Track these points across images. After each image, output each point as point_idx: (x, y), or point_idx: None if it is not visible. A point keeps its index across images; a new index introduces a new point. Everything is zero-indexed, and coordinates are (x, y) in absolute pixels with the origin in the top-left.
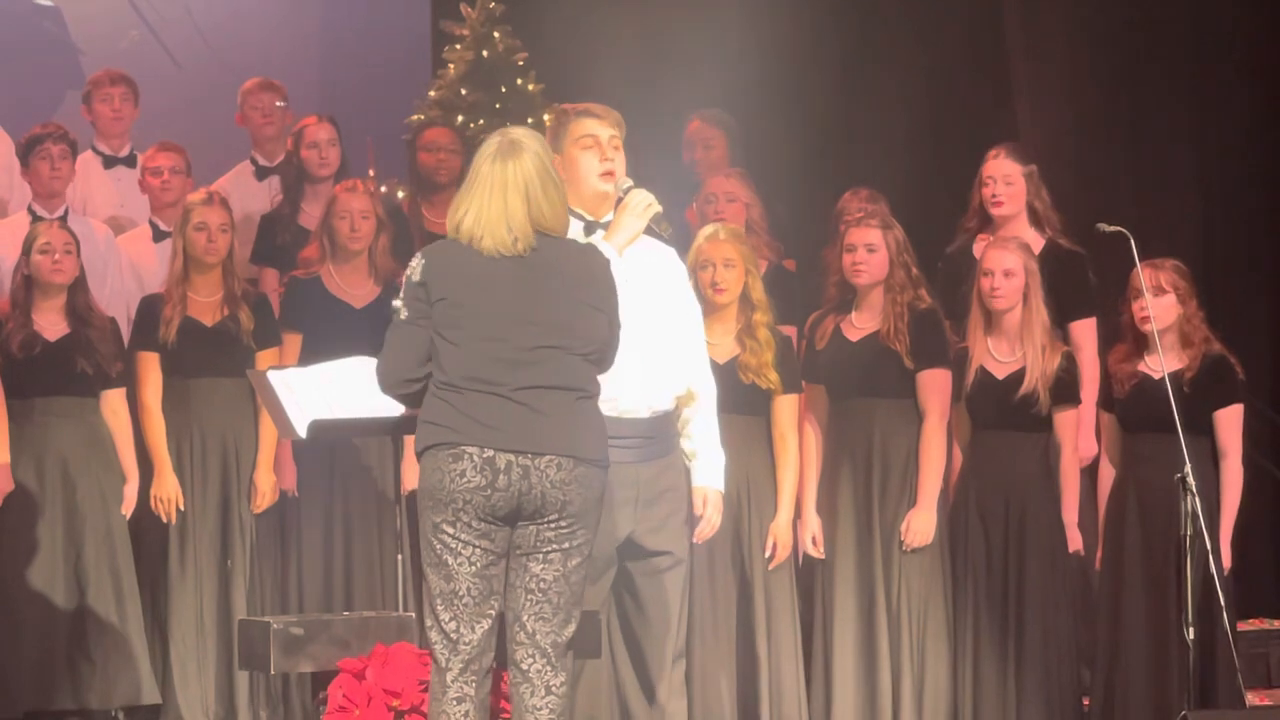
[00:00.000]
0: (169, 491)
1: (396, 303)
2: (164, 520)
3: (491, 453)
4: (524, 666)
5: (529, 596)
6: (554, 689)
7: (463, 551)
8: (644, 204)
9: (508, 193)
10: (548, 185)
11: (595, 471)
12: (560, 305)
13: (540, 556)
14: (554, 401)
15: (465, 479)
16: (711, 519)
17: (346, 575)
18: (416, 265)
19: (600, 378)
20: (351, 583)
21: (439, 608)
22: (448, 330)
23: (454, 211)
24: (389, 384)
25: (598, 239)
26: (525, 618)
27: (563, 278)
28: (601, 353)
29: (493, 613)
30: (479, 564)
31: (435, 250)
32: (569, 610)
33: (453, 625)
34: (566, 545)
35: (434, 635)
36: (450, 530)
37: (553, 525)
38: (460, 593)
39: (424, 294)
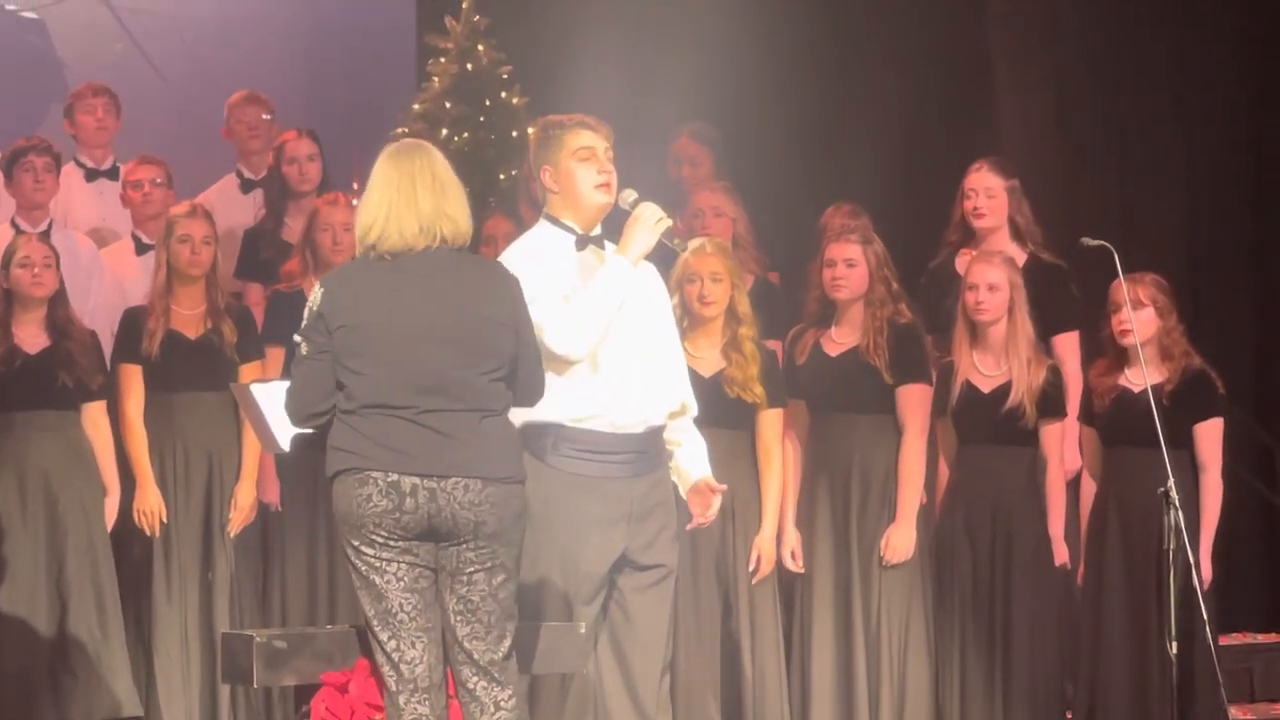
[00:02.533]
0: (151, 504)
1: (297, 336)
2: (147, 533)
3: (396, 476)
4: (470, 686)
5: (458, 618)
6: (503, 704)
7: (388, 568)
8: (655, 218)
9: (416, 186)
10: (450, 184)
11: (509, 489)
12: (463, 323)
13: (465, 578)
14: (459, 423)
15: (372, 503)
16: (715, 507)
17: (330, 589)
18: (316, 294)
19: (595, 393)
20: (335, 596)
21: (377, 629)
22: (349, 357)
23: (359, 219)
24: (296, 420)
25: (606, 253)
26: (461, 638)
27: (466, 294)
28: (510, 370)
29: (431, 627)
30: (407, 578)
31: (335, 276)
32: (502, 626)
33: (393, 644)
34: (489, 564)
35: (378, 658)
36: (370, 551)
37: (471, 546)
38: (394, 610)
39: (322, 325)
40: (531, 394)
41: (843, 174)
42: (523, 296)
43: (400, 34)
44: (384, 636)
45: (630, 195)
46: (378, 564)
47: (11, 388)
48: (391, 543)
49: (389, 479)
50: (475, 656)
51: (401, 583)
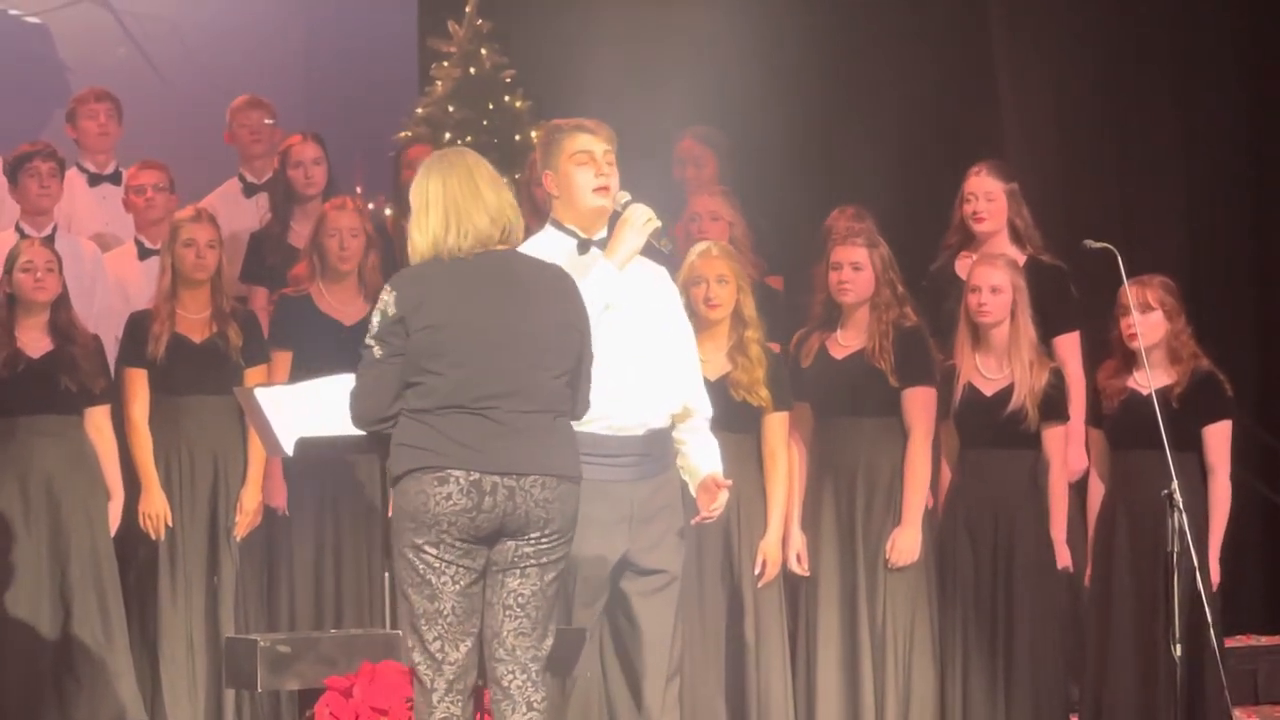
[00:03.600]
0: (157, 508)
1: (370, 340)
2: (152, 537)
3: (477, 475)
4: (505, 683)
5: (507, 612)
6: (535, 705)
7: (446, 571)
8: (643, 219)
9: (478, 181)
10: (502, 185)
11: (574, 488)
12: (538, 325)
13: (518, 572)
14: (534, 422)
15: (451, 502)
16: (721, 503)
17: (336, 593)
18: (389, 299)
19: (594, 395)
20: (341, 600)
21: (423, 628)
22: (428, 359)
23: (421, 230)
24: (364, 424)
25: (596, 255)
26: (504, 634)
27: (538, 296)
28: (575, 373)
29: (475, 631)
30: (463, 583)
31: (407, 280)
32: (545, 625)
33: (437, 645)
34: (545, 560)
35: (417, 656)
36: (434, 551)
37: (533, 541)
38: (445, 612)
39: (400, 329)
40: (579, 406)
41: (846, 177)
42: (584, 300)
43: (402, 38)
44: (430, 636)
45: (623, 197)
46: (438, 565)
47: (14, 392)
48: (457, 544)
49: (471, 478)
50: (518, 653)
51: (458, 586)
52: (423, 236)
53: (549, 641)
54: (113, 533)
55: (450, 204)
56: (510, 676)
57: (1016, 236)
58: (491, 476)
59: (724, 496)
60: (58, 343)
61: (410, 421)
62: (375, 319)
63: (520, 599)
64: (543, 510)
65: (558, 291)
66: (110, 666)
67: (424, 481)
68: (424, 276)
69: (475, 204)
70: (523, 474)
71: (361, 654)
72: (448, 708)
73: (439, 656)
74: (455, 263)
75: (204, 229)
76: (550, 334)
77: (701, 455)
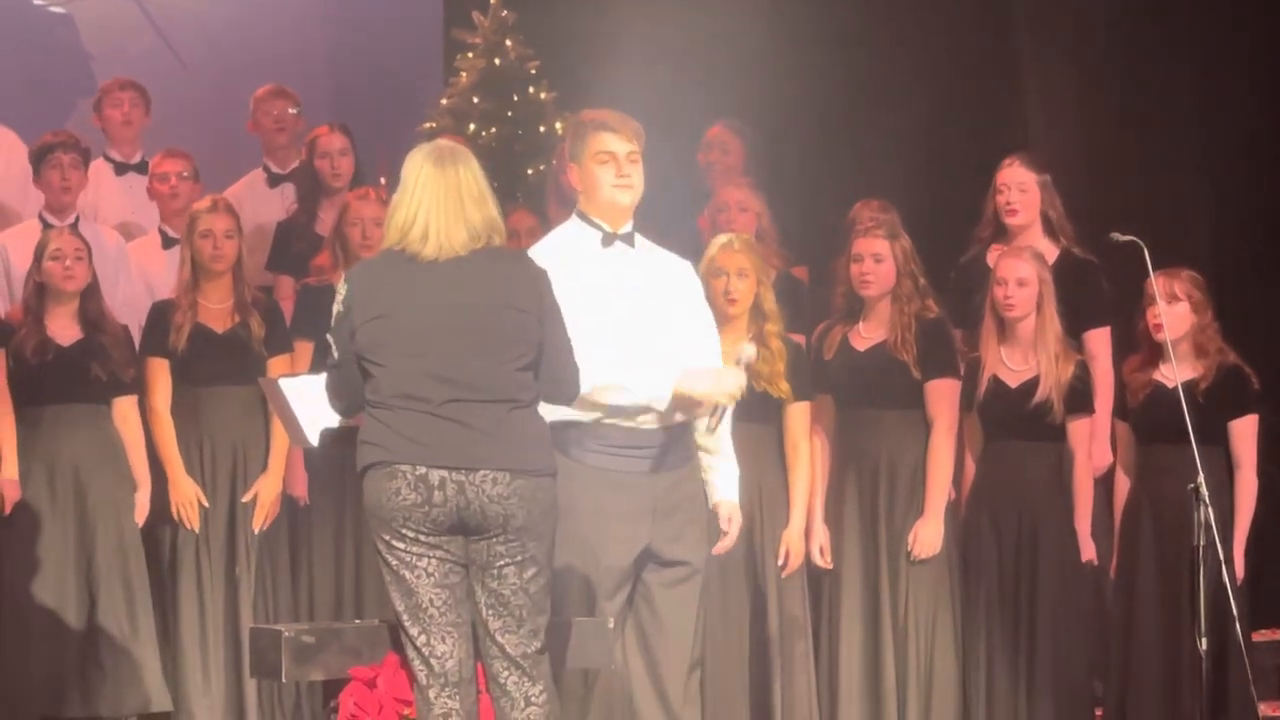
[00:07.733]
0: (188, 495)
1: (328, 337)
2: (187, 527)
3: (424, 470)
4: (501, 680)
5: (491, 611)
6: (533, 699)
7: (418, 564)
8: (733, 388)
9: (463, 198)
10: (488, 193)
11: (538, 482)
12: (485, 313)
13: (495, 571)
14: (484, 415)
15: (401, 497)
16: (734, 534)
17: (357, 583)
18: (341, 291)
19: (617, 387)
20: (362, 590)
21: (407, 624)
22: (373, 352)
23: (395, 219)
24: (345, 415)
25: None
26: (493, 632)
27: (486, 283)
28: (534, 359)
29: (461, 622)
30: (436, 574)
31: (359, 273)
32: (534, 620)
33: (423, 639)
34: (519, 558)
35: (409, 653)
36: (400, 545)
37: (501, 540)
38: (424, 605)
39: (347, 325)
40: (561, 390)
41: (871, 170)
42: (549, 288)
43: (428, 29)
44: (414, 631)
45: (749, 349)
46: (408, 559)
47: (44, 380)
48: (422, 538)
49: (417, 472)
50: (508, 650)
51: (432, 578)
52: (394, 225)
53: (540, 636)
54: (139, 523)
55: (428, 211)
56: (505, 674)
57: (1049, 228)
58: (438, 471)
59: (729, 540)
60: (87, 332)
61: (367, 417)
62: (333, 314)
63: (500, 598)
64: (499, 506)
65: (510, 277)
66: (135, 656)
67: (377, 478)
68: (375, 269)
69: (456, 221)
70: (471, 469)
71: (386, 644)
72: (445, 703)
73: (426, 651)
74: (413, 256)
75: (221, 219)
76: (498, 320)
77: (719, 478)
